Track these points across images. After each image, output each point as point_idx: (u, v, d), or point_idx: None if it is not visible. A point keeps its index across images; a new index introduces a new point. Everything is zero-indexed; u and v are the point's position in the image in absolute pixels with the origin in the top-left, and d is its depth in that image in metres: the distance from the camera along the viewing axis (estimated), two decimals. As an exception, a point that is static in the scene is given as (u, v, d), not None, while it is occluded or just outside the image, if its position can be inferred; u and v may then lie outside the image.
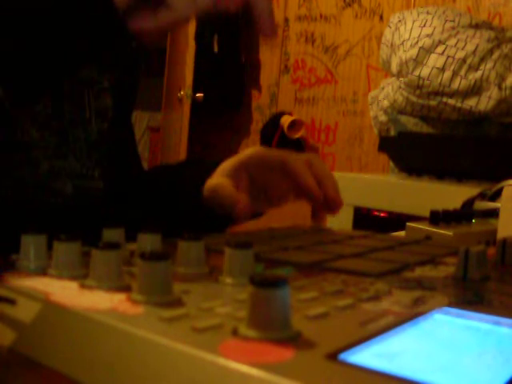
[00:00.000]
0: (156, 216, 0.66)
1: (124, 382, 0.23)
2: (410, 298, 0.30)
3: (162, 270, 0.27)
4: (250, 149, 0.65)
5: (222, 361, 0.20)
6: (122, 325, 0.24)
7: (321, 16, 2.73)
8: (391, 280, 0.35)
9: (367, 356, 0.22)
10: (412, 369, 0.21)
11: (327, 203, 0.60)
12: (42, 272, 0.32)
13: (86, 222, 0.46)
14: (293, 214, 0.65)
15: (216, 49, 2.85)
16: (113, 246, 0.30)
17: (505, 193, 0.64)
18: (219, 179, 0.61)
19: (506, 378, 0.20)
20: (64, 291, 0.29)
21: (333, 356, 0.21)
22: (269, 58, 2.91)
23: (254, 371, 0.19)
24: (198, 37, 2.84)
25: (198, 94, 2.86)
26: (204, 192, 0.61)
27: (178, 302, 0.27)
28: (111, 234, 0.39)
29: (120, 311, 0.26)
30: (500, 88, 1.65)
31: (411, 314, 0.27)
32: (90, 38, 0.51)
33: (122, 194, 0.68)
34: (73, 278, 0.31)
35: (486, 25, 1.84)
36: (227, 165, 0.62)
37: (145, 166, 0.81)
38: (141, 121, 3.46)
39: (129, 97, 0.73)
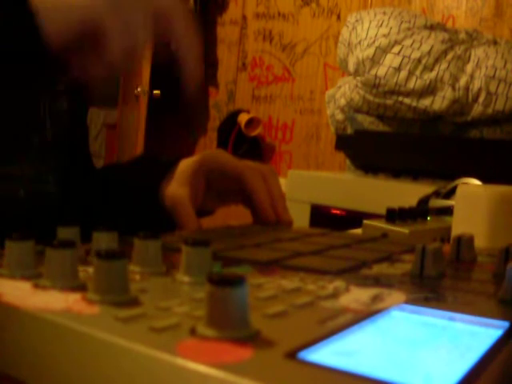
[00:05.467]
0: (111, 215, 0.65)
1: None
2: (368, 295, 0.31)
3: (118, 268, 0.27)
4: (209, 152, 0.65)
5: (180, 361, 0.20)
6: (77, 325, 0.23)
7: (279, 14, 2.73)
8: (349, 277, 0.35)
9: (326, 354, 0.22)
10: (370, 366, 0.21)
11: (277, 222, 0.62)
12: (-6, 272, 0.31)
13: (40, 225, 0.45)
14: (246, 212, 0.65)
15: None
16: (67, 244, 0.29)
17: (459, 191, 0.65)
18: (179, 191, 0.60)
19: (462, 372, 0.21)
20: (16, 291, 0.28)
21: (292, 355, 0.21)
22: (226, 56, 2.90)
23: (212, 371, 0.19)
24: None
25: (154, 91, 2.83)
26: (164, 199, 0.61)
27: (134, 302, 0.27)
28: (66, 233, 0.38)
29: (75, 311, 0.25)
30: (454, 88, 1.68)
31: (369, 311, 0.27)
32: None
33: (76, 195, 0.67)
34: (26, 277, 0.30)
35: (440, 26, 1.87)
36: (186, 169, 0.62)
37: (101, 163, 0.80)
38: (97, 118, 3.41)
39: (84, 97, 0.72)
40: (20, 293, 0.28)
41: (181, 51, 0.54)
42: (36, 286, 0.29)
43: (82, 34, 0.49)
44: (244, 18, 2.84)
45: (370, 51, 1.74)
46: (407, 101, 1.71)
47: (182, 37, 0.54)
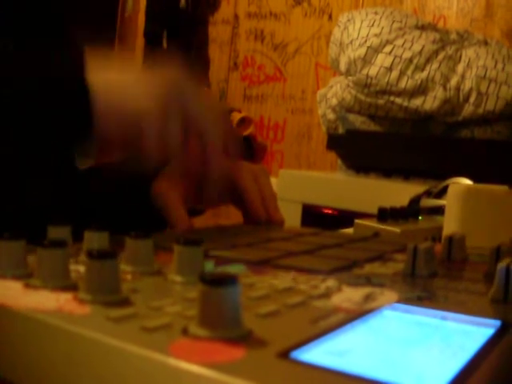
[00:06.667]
0: (102, 214, 0.65)
1: (70, 384, 0.22)
2: (360, 294, 0.31)
3: (109, 268, 0.27)
4: None
5: (172, 361, 0.20)
6: (69, 325, 0.23)
7: (270, 14, 2.73)
8: (341, 277, 0.35)
9: (318, 353, 0.22)
10: (363, 365, 0.21)
11: (268, 222, 0.62)
12: (-16, 271, 0.31)
13: (31, 224, 0.44)
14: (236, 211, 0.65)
15: (165, 45, 2.83)
16: (58, 244, 0.29)
17: (450, 190, 0.66)
18: (171, 188, 0.60)
19: (454, 370, 0.21)
20: (7, 291, 0.28)
21: (284, 354, 0.21)
22: (218, 55, 2.90)
23: (205, 371, 0.19)
24: (148, 33, 2.81)
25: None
26: (155, 198, 0.61)
27: (126, 302, 0.27)
28: (57, 232, 0.38)
29: (66, 311, 0.25)
30: (445, 88, 1.69)
31: (361, 310, 0.27)
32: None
33: (67, 194, 0.67)
34: (17, 277, 0.30)
35: (431, 26, 1.88)
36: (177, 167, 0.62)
37: (91, 162, 0.79)
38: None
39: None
40: (11, 293, 0.27)
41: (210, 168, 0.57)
42: (27, 285, 0.29)
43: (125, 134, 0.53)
44: (236, 17, 2.84)
45: (362, 51, 1.74)
46: (398, 100, 1.71)
47: (215, 162, 0.57)
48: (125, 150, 0.56)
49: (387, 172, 1.70)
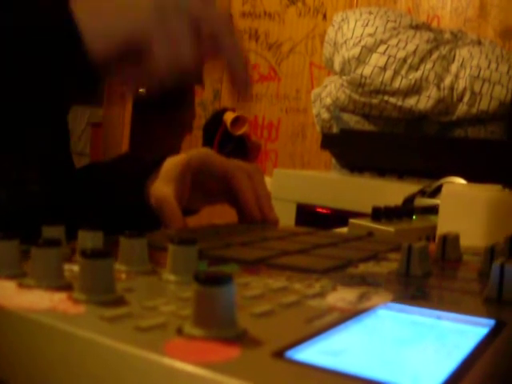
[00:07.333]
0: (96, 213, 0.65)
1: (64, 384, 0.22)
2: (355, 294, 0.31)
3: (104, 267, 0.27)
4: (195, 151, 0.64)
5: (167, 361, 0.20)
6: (63, 325, 0.23)
7: (265, 13, 2.73)
8: (336, 276, 0.35)
9: (313, 353, 0.22)
10: (358, 365, 0.21)
11: (263, 221, 0.62)
12: (-22, 271, 0.31)
13: (25, 224, 0.44)
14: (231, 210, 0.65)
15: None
16: (53, 243, 0.29)
17: (444, 190, 0.66)
18: (165, 189, 0.60)
19: (449, 370, 0.21)
20: (1, 291, 0.27)
21: (279, 354, 0.21)
22: (212, 54, 2.89)
23: (199, 371, 0.19)
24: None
25: (140, 90, 2.82)
26: (149, 197, 0.61)
27: (120, 301, 0.27)
28: (51, 232, 0.38)
29: (60, 311, 0.25)
30: (439, 88, 1.69)
31: (356, 310, 0.27)
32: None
33: (61, 194, 0.66)
34: (10, 277, 0.30)
35: (425, 26, 1.88)
36: (172, 168, 0.62)
37: (86, 161, 0.79)
38: (81, 116, 3.38)
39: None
40: (5, 292, 0.27)
41: (230, 65, 0.54)
42: (21, 285, 0.28)
43: (126, 49, 0.49)
44: (230, 16, 2.84)
45: (356, 50, 1.74)
46: (393, 100, 1.71)
47: (230, 49, 0.54)
48: (126, 68, 0.51)
49: (381, 171, 1.70)
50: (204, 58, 0.53)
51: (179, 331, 0.22)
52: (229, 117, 2.68)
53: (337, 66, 1.82)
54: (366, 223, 0.68)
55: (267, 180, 0.68)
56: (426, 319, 0.27)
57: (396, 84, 1.70)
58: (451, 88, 1.69)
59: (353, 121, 1.83)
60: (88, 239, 0.37)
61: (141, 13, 0.48)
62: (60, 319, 0.24)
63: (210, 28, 0.52)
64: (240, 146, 2.73)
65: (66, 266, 0.31)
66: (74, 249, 0.37)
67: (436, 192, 0.86)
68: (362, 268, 0.39)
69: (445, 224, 0.63)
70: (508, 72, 1.67)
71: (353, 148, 1.75)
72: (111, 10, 0.49)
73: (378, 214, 0.70)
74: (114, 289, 0.27)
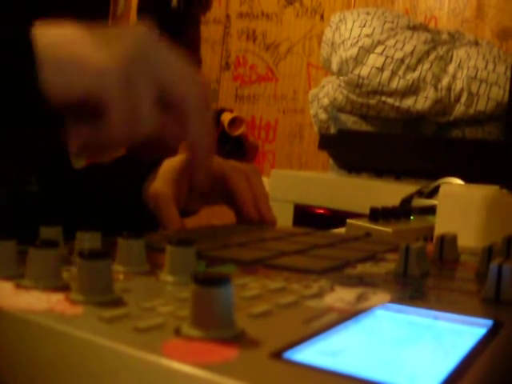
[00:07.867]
0: (94, 214, 0.65)
1: (62, 384, 0.22)
2: (353, 294, 0.31)
3: (101, 268, 0.27)
4: None
5: (165, 361, 0.20)
6: (61, 326, 0.23)
7: (262, 14, 2.73)
8: (333, 277, 0.35)
9: (311, 354, 0.22)
10: (356, 365, 0.21)
11: (261, 221, 0.62)
12: (-25, 272, 0.31)
13: (23, 225, 0.44)
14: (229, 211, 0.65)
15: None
16: (50, 244, 0.29)
17: (441, 190, 0.66)
18: (163, 190, 0.60)
19: (447, 370, 0.21)
20: (-2, 292, 0.27)
21: (277, 354, 0.21)
22: (210, 55, 2.89)
23: (197, 371, 0.19)
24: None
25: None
26: (147, 198, 0.61)
27: (118, 302, 0.27)
28: (49, 233, 0.38)
29: (58, 312, 0.25)
30: (436, 89, 1.69)
31: (354, 310, 0.27)
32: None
33: (59, 195, 0.67)
34: (8, 277, 0.30)
35: (422, 27, 1.88)
36: (170, 169, 0.62)
37: (83, 163, 0.79)
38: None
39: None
40: (2, 293, 0.27)
41: (192, 148, 0.50)
42: (18, 286, 0.28)
43: (84, 103, 0.44)
44: (227, 17, 2.84)
45: (354, 51, 1.74)
46: (390, 101, 1.72)
47: (196, 131, 0.49)
48: (79, 120, 0.45)
49: (379, 172, 1.70)
50: (165, 130, 0.48)
51: (177, 332, 0.22)
52: (226, 117, 2.68)
53: (334, 67, 1.82)
54: (364, 224, 0.68)
55: (265, 181, 0.68)
56: (424, 319, 0.27)
57: (393, 85, 1.70)
58: (449, 89, 1.69)
59: (350, 121, 1.83)
60: (86, 240, 0.37)
61: (106, 71, 0.43)
62: (58, 320, 0.24)
63: (180, 101, 0.47)
64: (237, 147, 2.73)
65: (64, 267, 0.31)
66: (72, 249, 0.37)
67: (433, 192, 0.86)
68: (360, 268, 0.39)
69: (442, 224, 0.63)
70: (505, 73, 1.67)
71: (350, 148, 1.76)
72: (75, 45, 0.44)
73: (376, 214, 0.70)
74: (112, 289, 0.27)
